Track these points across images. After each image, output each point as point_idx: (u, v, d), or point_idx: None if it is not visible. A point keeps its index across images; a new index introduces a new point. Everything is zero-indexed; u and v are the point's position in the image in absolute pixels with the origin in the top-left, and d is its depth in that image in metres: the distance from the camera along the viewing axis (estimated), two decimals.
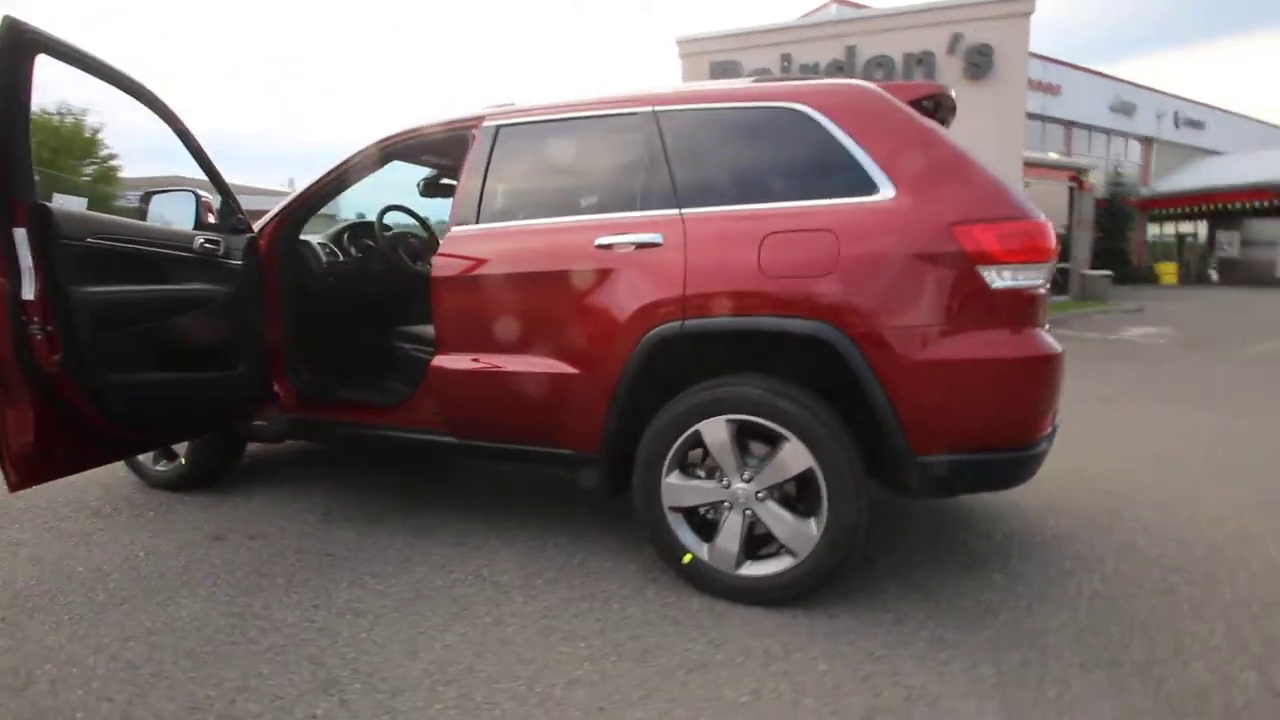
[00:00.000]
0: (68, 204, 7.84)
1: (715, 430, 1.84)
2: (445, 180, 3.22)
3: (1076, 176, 14.47)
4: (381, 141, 2.44)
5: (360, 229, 3.13)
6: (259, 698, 1.50)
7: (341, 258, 2.92)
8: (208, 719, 1.44)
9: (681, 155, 1.96)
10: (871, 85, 1.91)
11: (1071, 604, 1.88)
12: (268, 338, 2.46)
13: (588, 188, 2.14)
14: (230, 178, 2.47)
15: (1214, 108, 24.97)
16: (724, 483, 1.87)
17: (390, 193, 3.17)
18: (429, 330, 2.35)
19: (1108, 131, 21.87)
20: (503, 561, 2.15)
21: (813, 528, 1.79)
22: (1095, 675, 1.56)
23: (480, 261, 2.13)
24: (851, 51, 11.20)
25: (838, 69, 11.04)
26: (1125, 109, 21.78)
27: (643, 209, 1.96)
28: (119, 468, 2.80)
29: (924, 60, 10.85)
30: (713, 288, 1.82)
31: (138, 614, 1.84)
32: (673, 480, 1.92)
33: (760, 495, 1.83)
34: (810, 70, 11.18)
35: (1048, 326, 1.82)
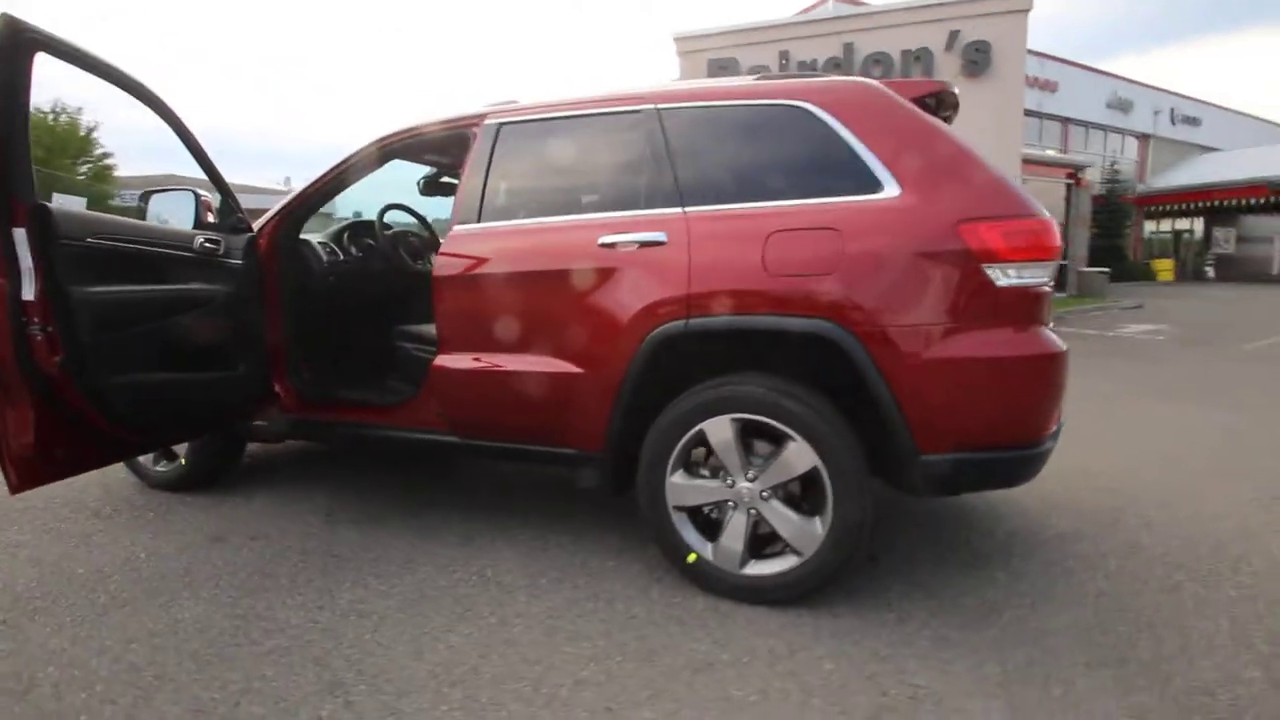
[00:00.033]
0: (68, 204, 7.81)
1: (720, 429, 1.84)
2: (445, 179, 3.21)
3: (1074, 173, 14.50)
4: (381, 140, 2.42)
5: (360, 228, 3.11)
6: (264, 700, 1.49)
7: (342, 257, 2.90)
8: None
9: (685, 153, 1.95)
10: (876, 83, 1.91)
11: (1076, 602, 1.88)
12: (268, 337, 2.45)
13: (590, 186, 2.13)
14: (227, 176, 2.45)
15: (1210, 104, 25.03)
16: (728, 482, 1.87)
17: (389, 191, 3.15)
18: (430, 330, 2.34)
19: (1104, 128, 21.92)
20: (506, 561, 2.14)
21: (818, 527, 1.79)
22: (1101, 674, 1.56)
23: (483, 260, 2.12)
24: (849, 48, 11.19)
25: (835, 66, 11.03)
26: (1122, 105, 21.82)
27: (646, 207, 1.95)
28: (118, 469, 2.79)
29: (922, 57, 10.85)
30: (717, 286, 1.81)
31: (140, 616, 1.83)
32: (677, 480, 1.91)
33: (765, 494, 1.83)
34: (808, 67, 11.16)
35: (1051, 324, 1.82)
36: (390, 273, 3.03)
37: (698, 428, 1.86)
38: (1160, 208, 22.57)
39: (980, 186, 1.72)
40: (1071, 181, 14.20)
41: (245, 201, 2.52)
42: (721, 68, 11.51)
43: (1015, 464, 1.77)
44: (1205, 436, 3.63)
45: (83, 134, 21.17)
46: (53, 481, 1.88)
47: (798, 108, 1.85)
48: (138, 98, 2.06)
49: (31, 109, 1.73)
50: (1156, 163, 23.06)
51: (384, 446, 2.67)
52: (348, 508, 2.59)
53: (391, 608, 1.87)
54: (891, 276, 1.70)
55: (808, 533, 1.80)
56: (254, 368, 2.39)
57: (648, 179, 1.98)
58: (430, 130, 2.39)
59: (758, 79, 2.04)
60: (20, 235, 1.66)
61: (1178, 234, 24.32)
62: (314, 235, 2.92)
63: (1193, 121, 24.10)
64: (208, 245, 2.28)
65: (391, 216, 3.13)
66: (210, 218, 2.42)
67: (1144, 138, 23.00)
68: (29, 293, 1.69)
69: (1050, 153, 16.40)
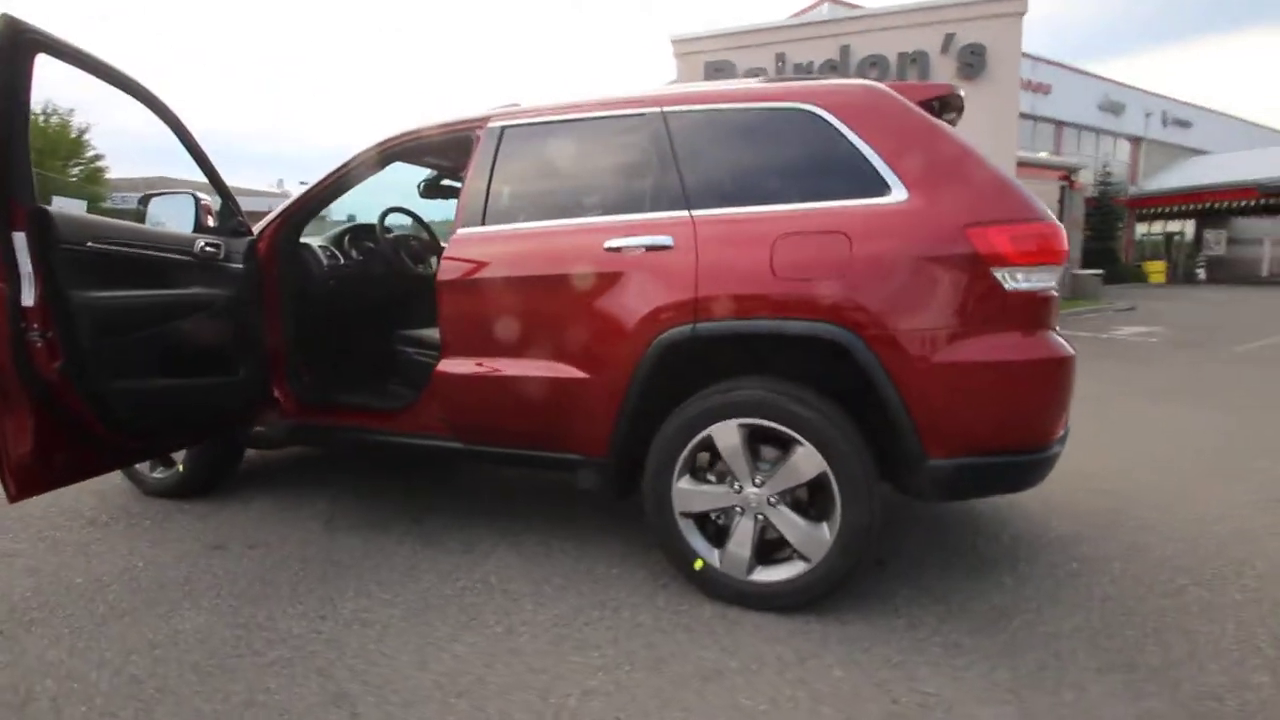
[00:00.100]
0: (68, 207, 7.74)
1: (727, 434, 1.83)
2: (446, 182, 3.19)
3: (1067, 176, 14.60)
4: (383, 143, 2.41)
5: (361, 231, 3.09)
6: (267, 713, 1.47)
7: (342, 260, 2.88)
8: None
9: (690, 156, 1.94)
10: (882, 86, 1.90)
11: (1083, 607, 1.88)
12: (267, 342, 2.42)
13: (595, 190, 2.12)
14: (224, 178, 2.43)
15: (1201, 107, 25.28)
16: (735, 487, 1.86)
17: (386, 195, 3.13)
18: (431, 334, 2.32)
19: (1097, 131, 22.11)
20: (510, 569, 2.13)
21: (825, 532, 1.78)
22: (1111, 679, 1.56)
23: (487, 264, 2.11)
24: (846, 51, 11.23)
25: (832, 69, 11.07)
26: (1114, 108, 22.02)
27: (652, 211, 1.94)
28: (114, 476, 2.75)
29: (917, 60, 10.90)
30: (724, 290, 1.80)
31: (139, 626, 1.81)
32: (683, 485, 1.90)
33: (772, 500, 1.82)
34: (804, 70, 11.20)
35: (1057, 328, 1.82)
36: (391, 276, 3.01)
37: (705, 433, 1.85)
38: (1152, 210, 22.77)
39: (988, 190, 1.72)
40: (1065, 184, 14.30)
41: (240, 204, 2.49)
42: (718, 70, 11.53)
43: (1023, 468, 1.77)
44: (1200, 438, 3.65)
45: (74, 136, 21.04)
46: (52, 489, 1.85)
47: (804, 111, 1.85)
48: (138, 99, 2.04)
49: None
50: (1148, 165, 23.27)
51: (385, 452, 2.65)
52: (348, 514, 2.57)
53: (395, 616, 1.85)
54: (900, 280, 1.69)
55: (815, 539, 1.79)
56: (254, 372, 2.37)
57: (653, 182, 1.97)
58: (432, 133, 2.37)
59: (763, 81, 2.03)
60: (20, 239, 1.63)
61: (1169, 236, 24.53)
62: (314, 239, 2.90)
63: (1184, 124, 24.34)
64: (208, 249, 2.25)
65: (391, 220, 3.11)
66: (210, 221, 2.39)
67: (1136, 140, 23.21)
68: (28, 298, 1.66)
69: (1043, 155, 16.50)
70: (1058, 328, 1.81)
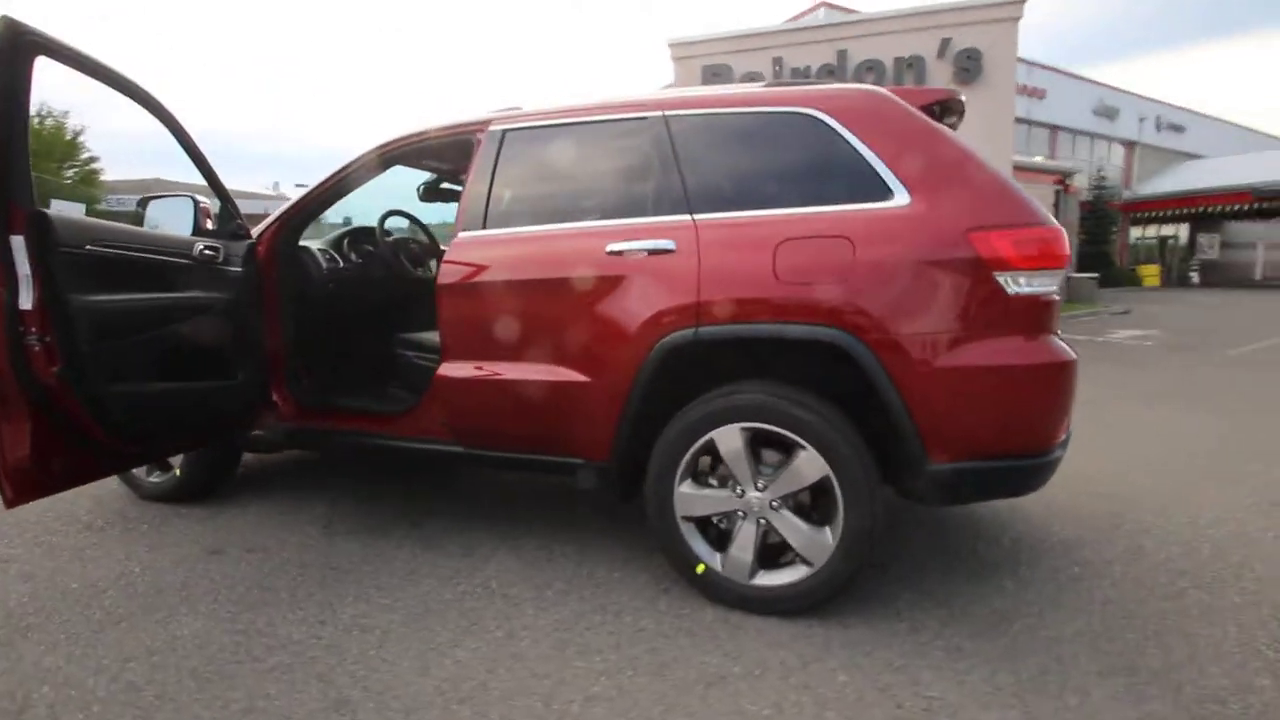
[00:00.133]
0: (66, 210, 7.70)
1: (729, 439, 1.82)
2: (445, 185, 3.19)
3: (1062, 180, 14.69)
4: (383, 146, 2.40)
5: (360, 234, 3.08)
6: (268, 719, 1.46)
7: (341, 264, 2.87)
8: None
9: (693, 160, 1.94)
10: (885, 90, 1.91)
11: (1084, 610, 1.88)
12: (266, 345, 2.41)
13: (597, 193, 2.11)
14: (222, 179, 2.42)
15: (1195, 112, 25.46)
16: (738, 491, 1.86)
17: (386, 198, 3.13)
18: (431, 337, 2.31)
19: (1091, 135, 22.23)
20: (511, 573, 2.12)
21: (828, 536, 1.78)
22: (1114, 682, 1.56)
23: (488, 268, 2.10)
24: (843, 55, 11.28)
25: (829, 73, 11.12)
26: (1108, 113, 22.15)
27: (654, 214, 1.94)
28: (110, 480, 2.73)
29: (914, 64, 10.95)
30: (727, 294, 1.80)
31: (137, 632, 1.79)
32: (685, 489, 1.90)
33: (775, 504, 1.82)
34: (801, 74, 11.24)
35: (1059, 332, 1.82)
36: (391, 280, 3.00)
37: (707, 437, 1.85)
38: (1146, 214, 22.90)
39: (990, 194, 1.72)
40: (1060, 188, 14.39)
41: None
42: (715, 74, 11.57)
43: (1025, 473, 1.77)
44: (1195, 442, 3.66)
45: (69, 138, 20.95)
46: (50, 494, 1.84)
47: (807, 115, 1.85)
48: (138, 102, 2.03)
49: None
50: (1142, 169, 23.42)
51: (383, 456, 2.64)
52: (346, 518, 2.56)
53: (395, 622, 1.84)
54: (903, 285, 1.69)
55: (818, 543, 1.79)
56: (253, 376, 2.36)
57: (655, 186, 1.97)
58: (433, 136, 2.37)
59: (765, 86, 2.04)
60: (18, 243, 1.62)
61: (1163, 240, 24.69)
62: (313, 242, 2.89)
63: (1177, 129, 24.51)
64: (207, 252, 2.24)
65: (390, 223, 3.10)
66: (209, 224, 2.38)
67: (1130, 145, 23.36)
68: (26, 301, 1.65)
69: (1039, 159, 16.59)
70: (1059, 332, 1.81)
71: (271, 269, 2.47)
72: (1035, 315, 1.70)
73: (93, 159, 21.92)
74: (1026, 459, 1.75)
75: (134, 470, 2.65)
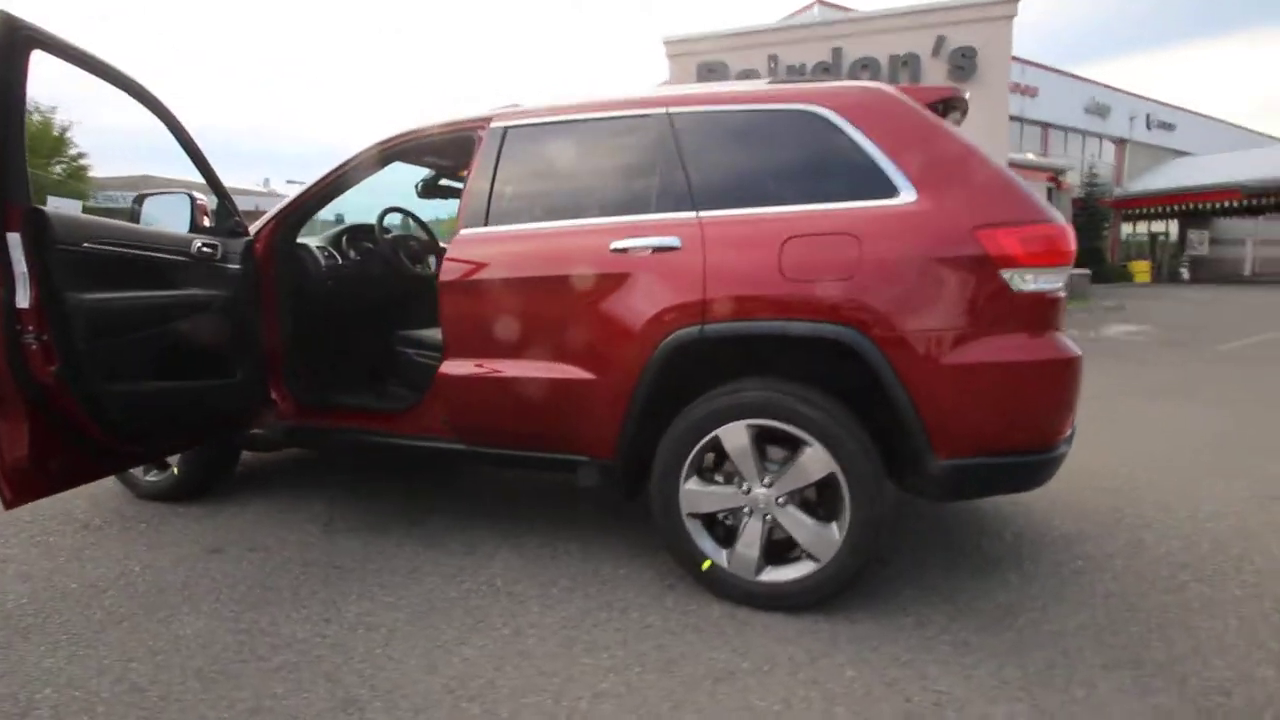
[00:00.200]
0: (63, 207, 7.60)
1: (735, 435, 1.82)
2: (444, 182, 3.17)
3: (1054, 177, 14.78)
4: (383, 142, 2.38)
5: (359, 231, 3.06)
6: (276, 718, 1.45)
7: (340, 261, 2.85)
8: None
9: (697, 157, 1.94)
10: (890, 88, 1.91)
11: (1088, 604, 1.89)
12: (265, 343, 2.39)
13: (600, 190, 2.10)
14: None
15: (1185, 110, 25.65)
16: (743, 488, 1.85)
17: (384, 195, 3.10)
18: (431, 334, 2.30)
19: (1083, 133, 22.36)
20: (515, 570, 2.11)
21: (835, 532, 1.78)
22: (1120, 675, 1.57)
23: (491, 265, 2.09)
24: (838, 53, 11.29)
25: (824, 71, 11.13)
26: (1100, 111, 22.28)
27: (658, 212, 1.93)
28: (107, 479, 2.70)
29: (909, 62, 10.98)
30: (733, 292, 1.80)
31: (139, 632, 1.77)
32: (691, 486, 1.89)
33: (781, 500, 1.82)
34: (796, 72, 11.25)
35: (1064, 329, 1.83)
36: (390, 277, 2.98)
37: (712, 434, 1.84)
38: (1137, 211, 23.07)
39: (996, 191, 1.73)
40: (1053, 185, 14.47)
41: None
42: (710, 71, 11.56)
43: (1030, 469, 1.78)
44: (1193, 436, 3.69)
45: (56, 134, 20.71)
46: (48, 495, 1.81)
47: (812, 113, 1.84)
48: (134, 97, 2.00)
49: None
50: (1133, 167, 23.57)
51: (383, 453, 2.63)
52: (347, 516, 2.54)
53: (401, 620, 1.83)
54: (909, 282, 1.69)
55: (824, 538, 1.79)
56: (251, 374, 2.34)
57: (659, 183, 1.96)
58: (434, 133, 2.35)
59: (769, 83, 2.03)
60: (15, 240, 1.60)
61: (1154, 236, 24.87)
62: (312, 239, 2.87)
63: (1168, 127, 24.68)
64: (205, 249, 2.22)
65: (388, 220, 3.07)
66: (205, 221, 2.35)
67: (1121, 142, 23.50)
68: (23, 300, 1.62)
69: (1031, 157, 16.69)
70: (1064, 328, 1.82)
71: (270, 266, 2.45)
72: (1041, 312, 1.71)
73: (81, 155, 21.71)
74: (1032, 455, 1.75)
75: (131, 469, 2.62)
